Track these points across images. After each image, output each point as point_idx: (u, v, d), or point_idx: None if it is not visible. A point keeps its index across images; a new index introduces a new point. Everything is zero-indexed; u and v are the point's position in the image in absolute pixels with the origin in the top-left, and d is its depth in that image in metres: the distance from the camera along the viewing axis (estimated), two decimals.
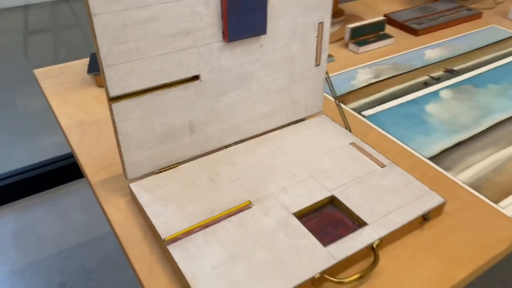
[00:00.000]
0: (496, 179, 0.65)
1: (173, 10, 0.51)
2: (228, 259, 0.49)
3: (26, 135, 1.79)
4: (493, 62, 0.96)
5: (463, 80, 0.89)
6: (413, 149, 0.70)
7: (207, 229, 0.52)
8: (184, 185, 0.58)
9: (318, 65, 0.68)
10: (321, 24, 0.65)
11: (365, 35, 1.02)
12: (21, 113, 1.90)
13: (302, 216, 0.56)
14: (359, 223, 0.54)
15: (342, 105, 0.81)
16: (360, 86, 0.87)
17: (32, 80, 2.04)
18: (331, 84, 0.70)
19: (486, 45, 1.04)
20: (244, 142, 0.66)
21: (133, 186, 0.58)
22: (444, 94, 0.84)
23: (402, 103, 0.82)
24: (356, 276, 0.48)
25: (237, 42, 0.58)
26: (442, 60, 0.97)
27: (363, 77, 0.90)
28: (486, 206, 0.60)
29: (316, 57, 0.68)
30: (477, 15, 1.17)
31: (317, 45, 0.67)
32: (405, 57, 0.98)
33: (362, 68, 0.93)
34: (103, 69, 0.50)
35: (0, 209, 1.49)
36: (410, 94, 0.84)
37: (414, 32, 1.08)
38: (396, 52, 1.00)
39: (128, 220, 0.57)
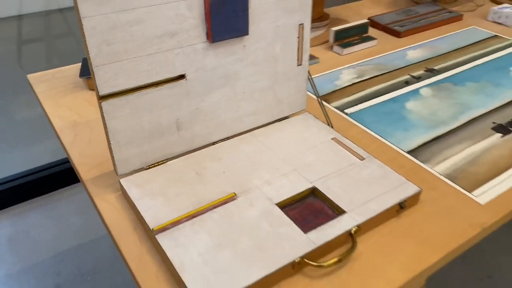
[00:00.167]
0: (471, 170, 0.68)
1: (159, 12, 0.55)
2: (214, 247, 0.52)
3: (20, 142, 1.82)
4: (472, 61, 1.00)
5: (442, 79, 0.92)
6: (392, 144, 0.73)
7: (194, 219, 0.55)
8: (172, 180, 0.61)
9: (300, 65, 0.72)
10: (301, 25, 0.68)
11: (349, 37, 1.06)
12: (15, 120, 1.93)
13: (285, 206, 0.58)
14: (339, 212, 0.57)
15: (325, 103, 0.84)
16: (343, 85, 0.90)
17: (26, 88, 2.06)
18: (313, 83, 0.74)
19: (466, 45, 1.07)
20: (230, 139, 0.69)
21: (123, 181, 0.61)
22: (424, 92, 0.88)
23: (383, 101, 0.85)
24: (335, 260, 0.51)
25: (221, 43, 0.61)
26: (423, 60, 1.00)
27: (346, 77, 0.93)
28: (460, 195, 0.63)
29: (298, 57, 0.71)
30: (458, 17, 1.21)
31: (298, 46, 0.70)
32: (387, 58, 1.01)
33: (346, 69, 0.97)
34: (92, 69, 0.53)
35: None
36: (391, 93, 0.87)
37: (396, 34, 1.12)
38: (379, 53, 1.04)
39: (119, 214, 0.60)
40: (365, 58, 1.01)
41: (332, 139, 0.69)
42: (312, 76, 0.94)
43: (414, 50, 1.05)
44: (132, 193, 0.59)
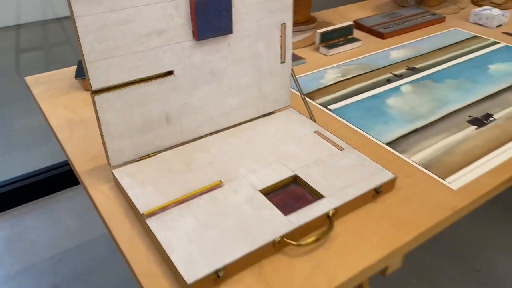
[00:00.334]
0: (446, 159, 0.72)
1: (147, 12, 0.59)
2: (199, 228, 0.55)
3: (19, 147, 1.85)
4: (452, 60, 1.04)
5: (423, 76, 0.97)
6: (372, 136, 0.77)
7: (181, 205, 0.59)
8: (162, 171, 0.65)
9: (284, 62, 0.76)
10: (283, 25, 0.72)
11: (335, 39, 1.10)
12: (14, 126, 1.97)
13: (268, 193, 0.62)
14: (318, 196, 0.61)
15: (310, 100, 0.88)
16: (328, 84, 0.94)
17: (25, 96, 2.10)
18: (296, 80, 0.78)
19: (447, 46, 1.12)
20: (218, 133, 0.73)
21: (116, 172, 0.65)
22: (404, 88, 0.92)
23: (365, 97, 0.89)
24: (313, 239, 0.55)
25: (206, 41, 0.65)
26: (405, 60, 1.04)
27: (331, 76, 0.98)
28: (434, 182, 0.67)
29: (281, 55, 0.75)
30: (440, 19, 1.26)
31: (281, 44, 0.74)
32: (371, 58, 1.06)
33: (331, 68, 1.01)
34: (86, 65, 0.57)
35: None
36: (373, 90, 0.92)
37: (381, 35, 1.16)
38: (364, 53, 1.08)
39: (112, 202, 0.63)
40: (349, 58, 1.05)
41: (314, 132, 0.73)
42: (298, 76, 0.98)
43: (397, 51, 1.09)
44: (124, 182, 0.62)
